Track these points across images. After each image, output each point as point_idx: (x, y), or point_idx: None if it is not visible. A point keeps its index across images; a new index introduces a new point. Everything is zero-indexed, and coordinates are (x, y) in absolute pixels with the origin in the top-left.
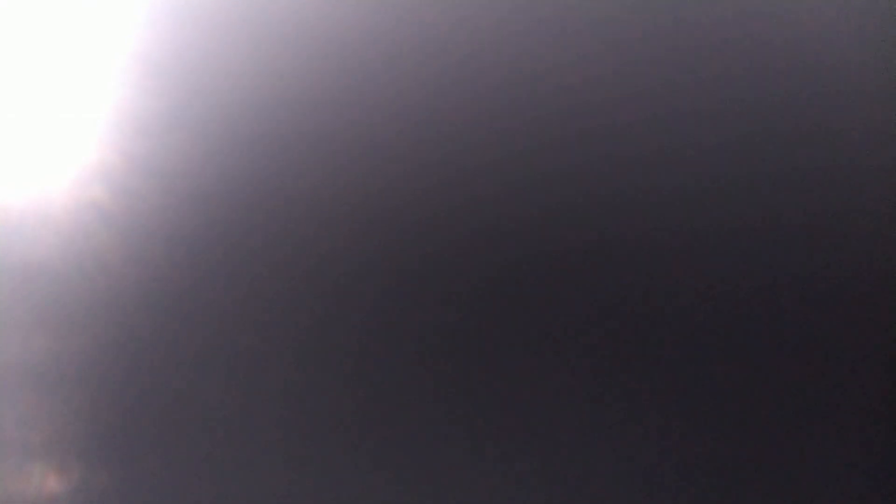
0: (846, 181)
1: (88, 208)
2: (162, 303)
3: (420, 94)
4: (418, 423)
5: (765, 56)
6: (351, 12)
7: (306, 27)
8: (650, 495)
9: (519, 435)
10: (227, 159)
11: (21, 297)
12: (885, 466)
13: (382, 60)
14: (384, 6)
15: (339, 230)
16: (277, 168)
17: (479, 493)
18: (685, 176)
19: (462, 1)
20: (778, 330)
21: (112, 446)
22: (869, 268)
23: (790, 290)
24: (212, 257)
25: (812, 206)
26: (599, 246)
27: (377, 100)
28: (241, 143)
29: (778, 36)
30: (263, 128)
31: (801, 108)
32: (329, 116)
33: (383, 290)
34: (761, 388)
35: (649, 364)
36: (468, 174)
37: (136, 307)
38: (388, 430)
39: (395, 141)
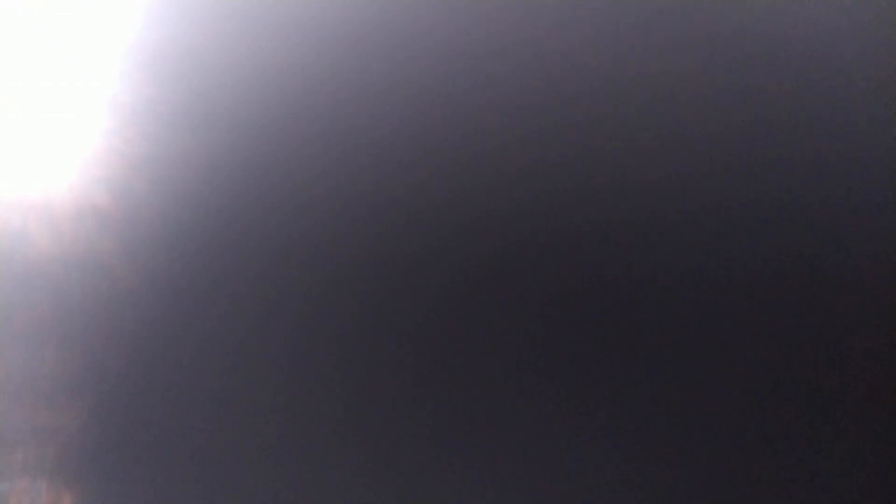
0: (846, 180)
1: (88, 211)
2: (162, 305)
3: (413, 92)
4: (414, 423)
5: (765, 54)
6: (353, 8)
7: (305, 26)
8: (649, 495)
9: (514, 434)
10: (226, 161)
11: (21, 300)
12: (886, 466)
13: (383, 59)
14: (386, 3)
15: (341, 230)
16: (278, 170)
17: (477, 492)
18: (685, 176)
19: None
20: (776, 328)
21: (108, 448)
22: (869, 266)
23: (789, 289)
24: (211, 259)
25: (811, 204)
26: (598, 240)
27: (377, 100)
28: (241, 145)
29: (777, 34)
30: (264, 130)
31: (800, 107)
32: (329, 116)
33: (382, 290)
34: (761, 388)
35: (648, 363)
36: (463, 172)
37: (135, 310)
38: (384, 431)
39: (397, 141)
